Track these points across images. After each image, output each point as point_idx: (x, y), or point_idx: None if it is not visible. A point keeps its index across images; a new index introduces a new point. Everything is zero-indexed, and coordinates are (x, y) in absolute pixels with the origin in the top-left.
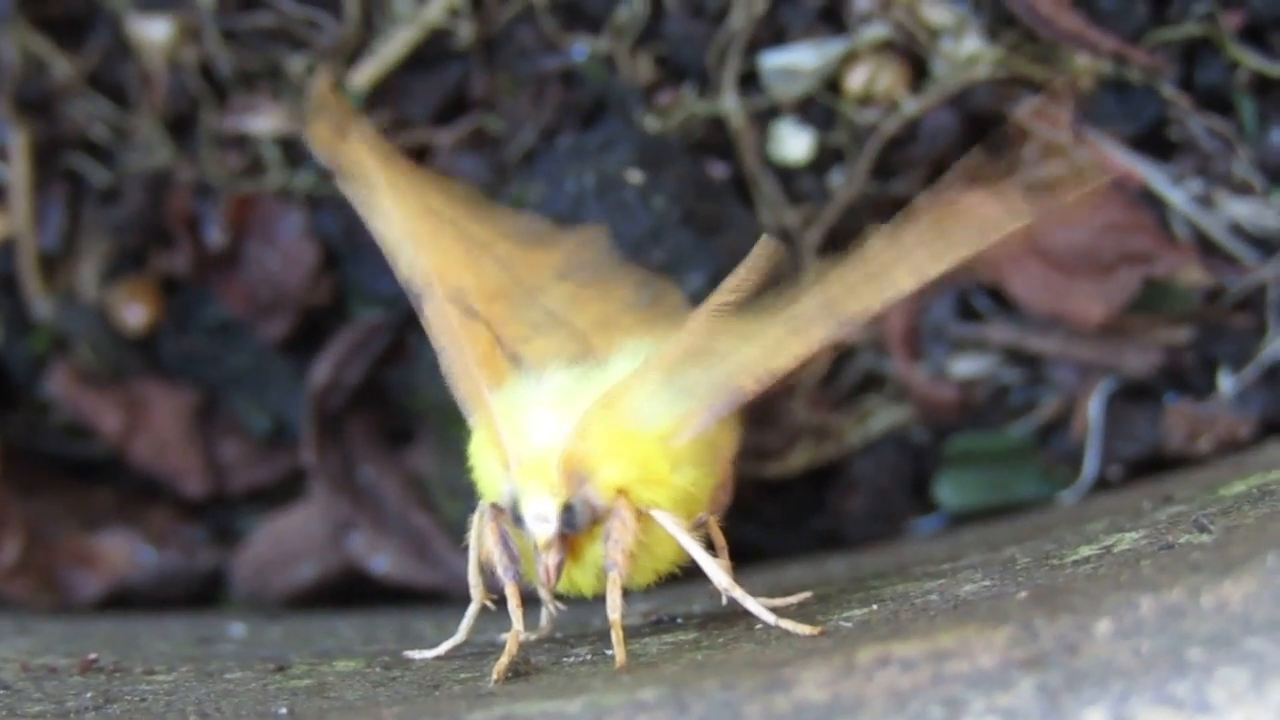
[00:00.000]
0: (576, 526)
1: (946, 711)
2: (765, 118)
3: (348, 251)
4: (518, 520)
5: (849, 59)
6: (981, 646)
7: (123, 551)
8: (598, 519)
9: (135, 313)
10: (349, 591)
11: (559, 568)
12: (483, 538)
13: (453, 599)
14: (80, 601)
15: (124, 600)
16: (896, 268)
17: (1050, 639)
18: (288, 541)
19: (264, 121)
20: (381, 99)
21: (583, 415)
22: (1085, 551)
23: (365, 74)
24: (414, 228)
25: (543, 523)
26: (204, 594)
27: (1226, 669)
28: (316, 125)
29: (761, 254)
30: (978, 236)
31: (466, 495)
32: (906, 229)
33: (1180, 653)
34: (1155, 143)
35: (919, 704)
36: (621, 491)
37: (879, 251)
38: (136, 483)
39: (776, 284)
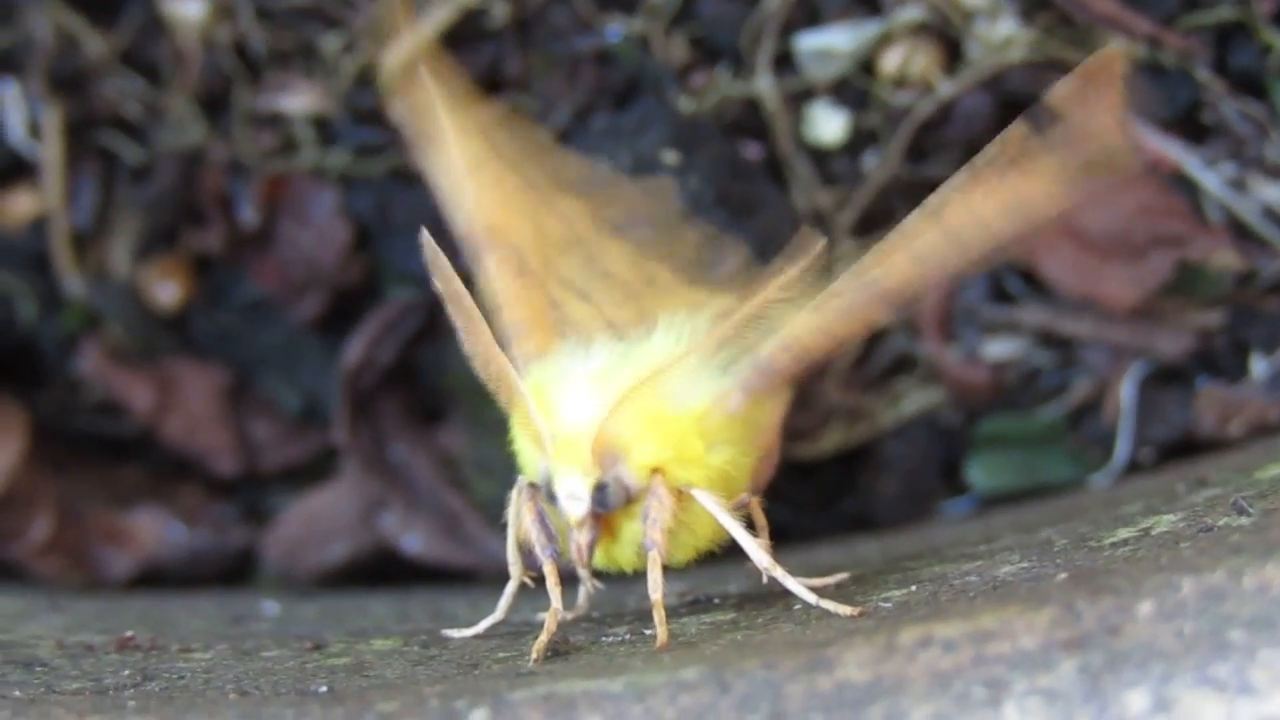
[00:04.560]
0: (609, 505)
1: (989, 692)
2: (799, 99)
3: (380, 231)
4: (552, 498)
5: (884, 41)
6: (1023, 627)
7: (154, 529)
8: (632, 498)
9: (167, 291)
10: (380, 571)
11: (591, 546)
12: (520, 516)
13: (485, 579)
14: (111, 579)
15: (155, 578)
16: (937, 245)
17: (1092, 620)
18: (319, 520)
19: (297, 100)
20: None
21: (618, 396)
22: (1123, 534)
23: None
24: (478, 177)
25: (575, 501)
26: (235, 572)
27: (1268, 651)
28: (393, 61)
29: (806, 248)
30: (1019, 213)
31: (499, 474)
32: (938, 203)
33: (1222, 634)
34: (1189, 126)
35: (961, 685)
36: (656, 470)
37: (916, 226)
38: (168, 461)
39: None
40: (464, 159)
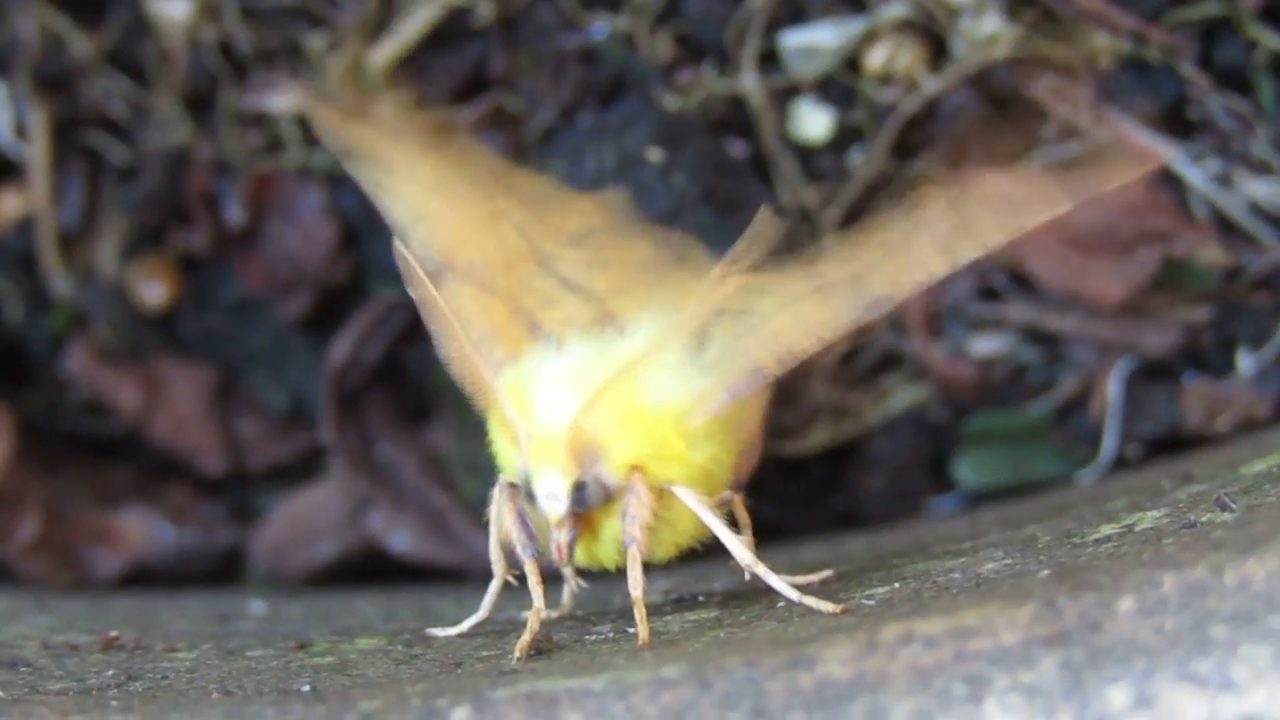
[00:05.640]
0: (588, 504)
1: (969, 689)
2: (785, 96)
3: (367, 229)
4: (531, 498)
5: (869, 38)
6: (1004, 624)
7: (141, 529)
8: (612, 496)
9: (154, 290)
10: (368, 569)
11: (571, 545)
12: (501, 515)
13: (471, 577)
14: (99, 579)
15: (142, 577)
16: (928, 253)
17: (1073, 617)
18: (306, 519)
19: (283, 99)
20: (401, 78)
21: (590, 393)
22: (1106, 530)
23: (385, 53)
24: (428, 202)
25: (554, 501)
26: (222, 571)
27: (1249, 647)
28: (323, 109)
29: (761, 226)
30: (1013, 222)
31: (485, 472)
32: (931, 209)
33: (1203, 630)
34: (1174, 122)
35: (942, 681)
36: (635, 468)
37: (907, 233)
38: (155, 460)
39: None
40: (414, 189)
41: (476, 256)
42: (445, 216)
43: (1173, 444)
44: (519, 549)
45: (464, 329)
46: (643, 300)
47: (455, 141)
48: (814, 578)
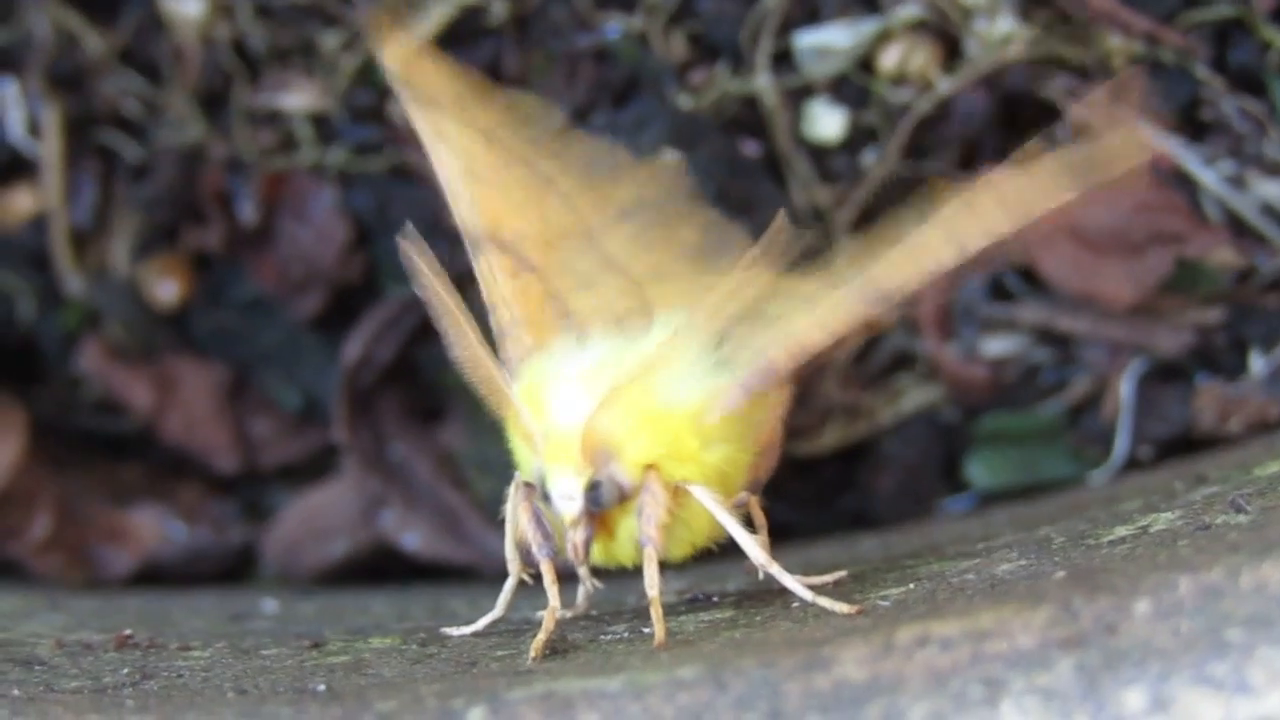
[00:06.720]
0: (603, 503)
1: (986, 691)
2: (798, 97)
3: (380, 228)
4: (547, 498)
5: (883, 38)
6: (1020, 626)
7: (153, 527)
8: (627, 495)
9: (167, 289)
10: (380, 568)
11: (587, 544)
12: (517, 514)
13: (484, 576)
14: (111, 577)
15: (154, 576)
16: (936, 242)
17: (1089, 619)
18: (319, 518)
19: (297, 98)
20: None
21: (606, 393)
22: (1121, 531)
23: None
24: (484, 158)
25: (568, 500)
26: (234, 570)
27: (1266, 649)
28: (391, 42)
29: (776, 233)
30: (1019, 210)
31: (498, 471)
32: (943, 205)
33: (1219, 633)
34: (1188, 123)
35: (959, 683)
36: (650, 467)
37: (917, 227)
38: (167, 459)
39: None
40: (459, 159)
41: (520, 228)
42: (496, 179)
43: (1185, 445)
44: (534, 549)
45: (491, 313)
46: (678, 291)
47: (509, 107)
48: (828, 578)
